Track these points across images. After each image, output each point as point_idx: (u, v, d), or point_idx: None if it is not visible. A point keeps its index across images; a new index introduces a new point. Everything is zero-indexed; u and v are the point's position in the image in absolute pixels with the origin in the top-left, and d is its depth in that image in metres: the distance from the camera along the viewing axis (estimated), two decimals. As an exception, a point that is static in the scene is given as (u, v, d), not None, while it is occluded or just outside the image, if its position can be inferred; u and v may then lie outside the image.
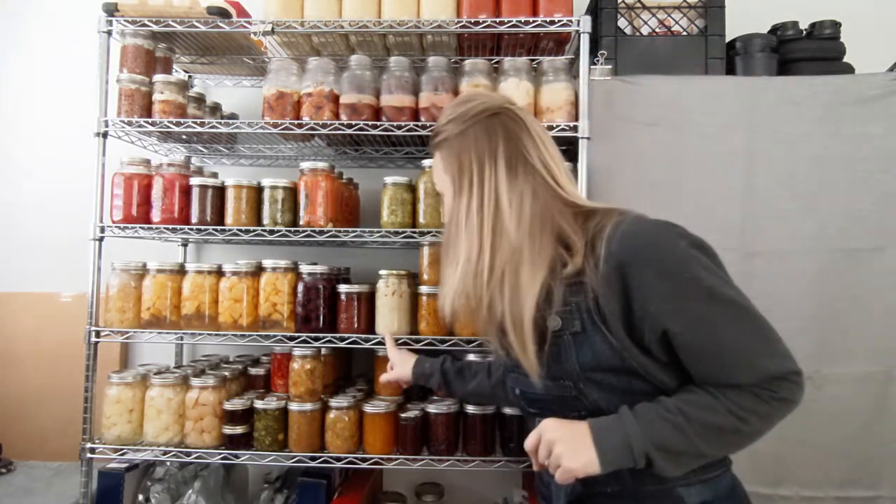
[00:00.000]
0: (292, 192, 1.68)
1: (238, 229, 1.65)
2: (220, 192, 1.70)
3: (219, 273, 1.66)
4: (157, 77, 1.70)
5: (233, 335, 1.62)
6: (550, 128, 1.58)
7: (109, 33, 1.67)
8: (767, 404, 0.84)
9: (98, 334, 1.64)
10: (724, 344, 0.85)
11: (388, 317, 1.61)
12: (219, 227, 1.67)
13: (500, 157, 0.97)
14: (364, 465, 1.60)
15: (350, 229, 1.64)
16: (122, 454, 1.62)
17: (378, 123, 1.63)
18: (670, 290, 0.86)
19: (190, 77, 2.10)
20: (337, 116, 1.66)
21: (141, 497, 1.69)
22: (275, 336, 1.61)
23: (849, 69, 1.74)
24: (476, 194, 0.96)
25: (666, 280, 0.86)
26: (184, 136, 1.86)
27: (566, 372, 0.94)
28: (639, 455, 0.84)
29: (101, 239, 1.65)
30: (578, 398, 0.95)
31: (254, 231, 1.65)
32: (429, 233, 1.61)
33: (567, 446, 0.87)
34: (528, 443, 0.92)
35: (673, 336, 0.86)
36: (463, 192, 0.97)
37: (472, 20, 1.63)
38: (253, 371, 1.83)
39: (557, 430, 0.89)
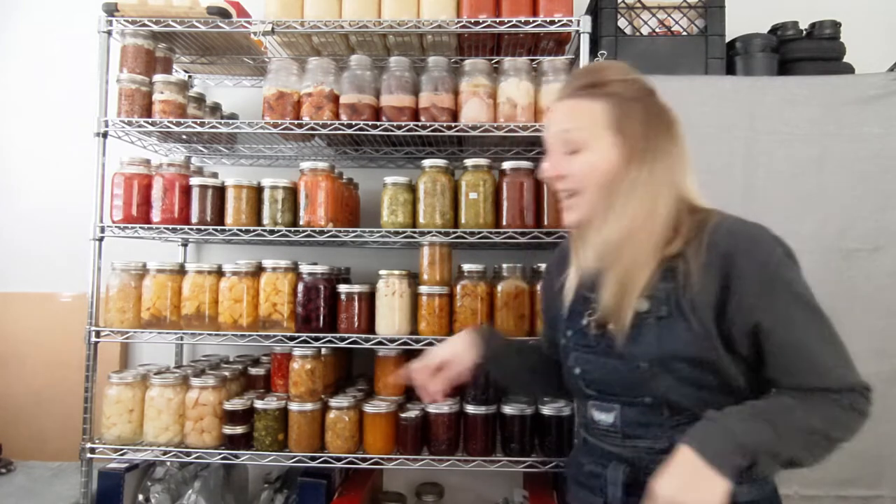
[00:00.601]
0: (292, 192, 1.68)
1: (238, 229, 1.66)
2: (220, 192, 1.70)
3: (219, 273, 1.66)
4: (157, 77, 1.70)
5: (233, 335, 1.62)
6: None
7: (109, 33, 1.68)
8: (846, 413, 0.87)
9: (98, 334, 1.64)
10: (809, 347, 0.89)
11: (388, 317, 1.61)
12: (219, 227, 1.67)
13: (671, 141, 0.99)
14: (364, 465, 1.60)
15: (350, 229, 1.64)
16: (122, 454, 1.62)
17: (378, 123, 1.63)
18: (768, 287, 0.90)
19: (190, 77, 2.11)
20: (337, 116, 1.66)
21: (141, 497, 1.69)
22: (275, 336, 1.61)
23: (849, 69, 1.74)
24: (650, 168, 0.97)
25: (765, 276, 0.90)
26: (184, 136, 1.86)
27: (643, 354, 0.95)
28: (751, 453, 0.84)
29: (101, 239, 1.65)
30: (648, 382, 0.95)
31: (254, 231, 1.65)
32: (429, 233, 1.61)
33: (690, 494, 0.80)
34: None
35: (763, 331, 0.89)
36: (634, 158, 0.97)
37: (472, 20, 1.63)
38: (253, 371, 1.83)
39: (670, 482, 0.82)
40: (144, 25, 1.67)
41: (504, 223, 1.62)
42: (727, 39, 1.76)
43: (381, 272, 1.64)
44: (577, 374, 1.06)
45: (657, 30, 1.77)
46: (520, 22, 1.61)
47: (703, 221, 0.95)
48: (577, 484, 1.10)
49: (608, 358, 0.99)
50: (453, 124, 1.62)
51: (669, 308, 0.93)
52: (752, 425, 0.85)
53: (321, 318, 1.61)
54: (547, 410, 1.60)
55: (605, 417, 1.02)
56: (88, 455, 1.61)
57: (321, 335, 1.60)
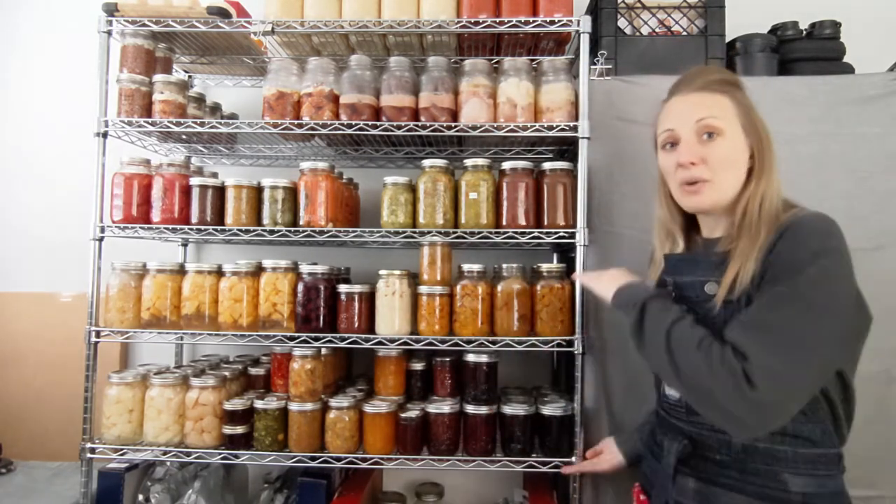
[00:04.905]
0: (292, 192, 1.68)
1: (238, 229, 1.66)
2: (220, 192, 1.70)
3: (219, 273, 1.66)
4: (157, 77, 1.70)
5: (233, 335, 1.62)
6: (550, 128, 1.59)
7: (109, 33, 1.67)
8: (707, 355, 0.94)
9: (98, 334, 1.64)
10: (770, 325, 0.93)
11: (388, 317, 1.61)
12: (219, 227, 1.67)
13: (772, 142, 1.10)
14: (364, 465, 1.60)
15: (350, 229, 1.64)
16: (122, 454, 1.62)
17: (378, 123, 1.63)
18: (794, 264, 0.94)
19: (190, 77, 2.11)
20: (337, 116, 1.66)
21: (141, 497, 1.69)
22: (275, 336, 1.61)
23: (849, 69, 1.74)
24: (769, 161, 1.08)
25: (795, 251, 0.95)
26: (184, 136, 1.86)
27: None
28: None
29: (101, 239, 1.65)
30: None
31: (254, 231, 1.65)
32: (429, 233, 1.61)
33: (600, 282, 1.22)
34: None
35: (760, 290, 0.96)
36: (761, 153, 1.08)
37: (472, 20, 1.63)
38: (253, 371, 1.83)
39: (599, 278, 1.25)
40: (144, 25, 1.67)
41: (504, 223, 1.62)
42: (727, 39, 1.76)
43: (381, 272, 1.64)
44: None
45: (657, 30, 1.77)
46: (520, 22, 1.61)
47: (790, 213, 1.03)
48: (650, 453, 1.20)
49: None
50: (453, 124, 1.62)
51: (734, 293, 0.99)
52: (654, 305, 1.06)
53: (321, 318, 1.61)
54: (547, 410, 1.60)
55: (673, 393, 1.13)
56: (88, 455, 1.61)
57: (321, 335, 1.60)
